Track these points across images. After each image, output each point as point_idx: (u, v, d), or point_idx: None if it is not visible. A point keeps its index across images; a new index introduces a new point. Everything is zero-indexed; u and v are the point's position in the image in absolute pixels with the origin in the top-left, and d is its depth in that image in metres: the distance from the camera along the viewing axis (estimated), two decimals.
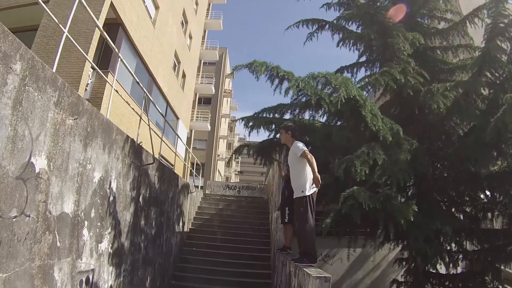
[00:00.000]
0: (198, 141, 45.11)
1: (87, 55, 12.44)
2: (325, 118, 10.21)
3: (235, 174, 77.05)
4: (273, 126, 10.24)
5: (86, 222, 5.59)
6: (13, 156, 3.79)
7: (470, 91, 8.62)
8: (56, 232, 4.70)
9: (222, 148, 54.55)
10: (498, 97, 8.37)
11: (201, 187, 22.57)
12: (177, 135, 15.78)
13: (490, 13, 8.78)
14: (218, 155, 49.70)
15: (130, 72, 8.04)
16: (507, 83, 8.30)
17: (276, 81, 8.68)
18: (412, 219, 7.24)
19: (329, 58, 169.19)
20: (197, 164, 19.58)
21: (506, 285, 9.17)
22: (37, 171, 4.22)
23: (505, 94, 7.98)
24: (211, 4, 41.34)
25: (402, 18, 10.03)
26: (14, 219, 3.85)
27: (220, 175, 55.24)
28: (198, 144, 45.62)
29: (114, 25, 15.27)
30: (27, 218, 4.08)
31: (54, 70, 4.64)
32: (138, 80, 8.12)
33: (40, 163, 4.27)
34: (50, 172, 4.50)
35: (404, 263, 10.44)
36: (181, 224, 12.70)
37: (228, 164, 57.70)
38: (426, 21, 10.98)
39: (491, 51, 8.31)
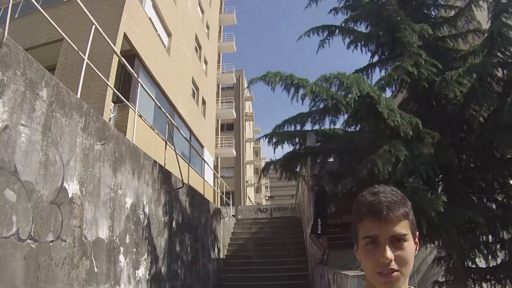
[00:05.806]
0: (225, 169, 45.03)
1: (106, 88, 12.76)
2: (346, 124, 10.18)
3: (266, 199, 76.55)
4: (297, 140, 10.23)
5: (121, 248, 5.60)
6: (46, 181, 3.84)
7: (483, 74, 8.44)
8: (93, 258, 4.72)
9: (249, 173, 54.38)
10: None
11: (233, 216, 22.48)
12: (203, 159, 15.86)
13: None
14: (247, 181, 49.51)
15: (151, 97, 8.17)
16: None
17: (292, 89, 8.71)
18: (442, 210, 7.02)
19: (346, 66, 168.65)
20: (226, 192, 19.46)
21: None
22: (70, 196, 4.26)
23: None
24: (222, 27, 41.49)
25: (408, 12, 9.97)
26: (51, 244, 3.89)
27: (251, 201, 54.94)
28: (226, 172, 45.50)
29: (130, 57, 15.36)
30: (64, 243, 4.11)
31: (78, 96, 4.74)
32: (159, 105, 8.23)
33: (72, 188, 4.31)
34: (83, 197, 4.55)
35: (442, 261, 10.18)
36: (216, 250, 12.64)
37: (258, 189, 57.51)
38: (433, 12, 10.88)
39: (498, 29, 8.15)
